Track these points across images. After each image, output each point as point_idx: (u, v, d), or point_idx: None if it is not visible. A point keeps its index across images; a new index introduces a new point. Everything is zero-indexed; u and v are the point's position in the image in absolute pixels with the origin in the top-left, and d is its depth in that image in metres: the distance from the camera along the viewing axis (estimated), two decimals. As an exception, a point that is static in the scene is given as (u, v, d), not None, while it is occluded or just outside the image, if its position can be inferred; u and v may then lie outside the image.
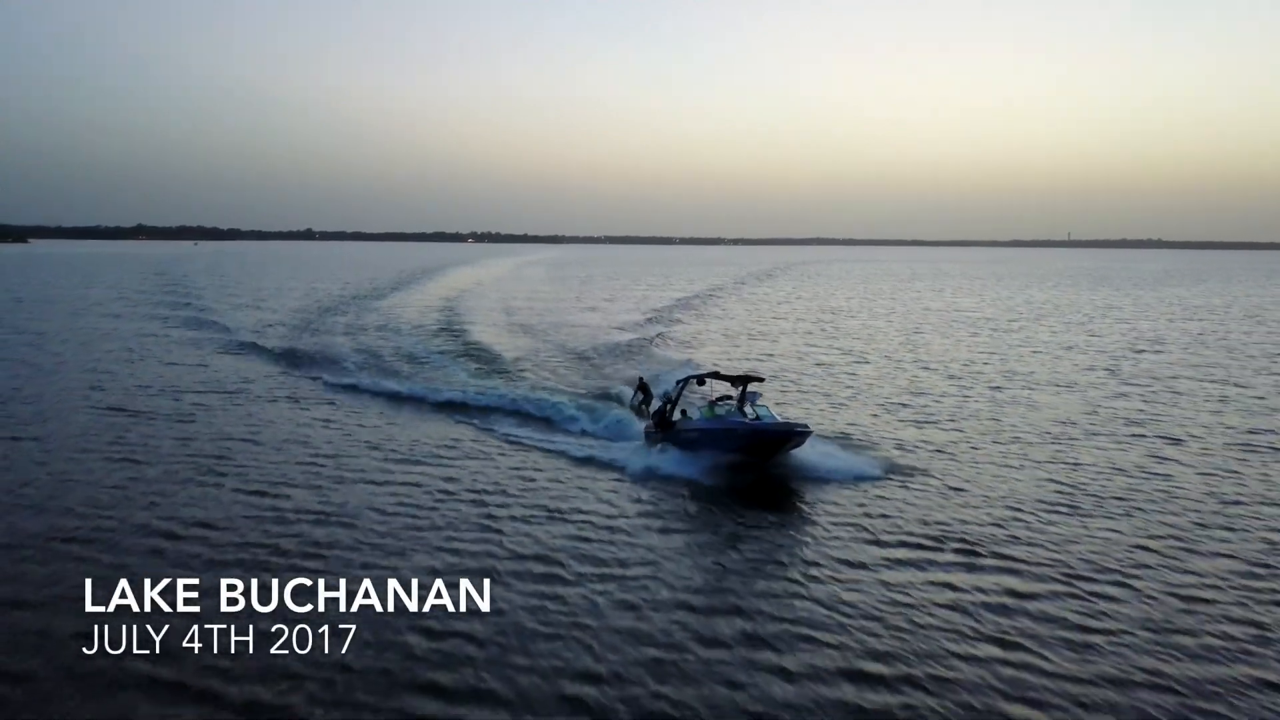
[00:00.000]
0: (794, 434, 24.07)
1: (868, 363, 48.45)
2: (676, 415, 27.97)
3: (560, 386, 37.05)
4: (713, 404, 26.99)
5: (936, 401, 35.79)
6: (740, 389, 27.41)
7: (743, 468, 24.16)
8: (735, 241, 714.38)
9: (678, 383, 29.61)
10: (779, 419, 25.68)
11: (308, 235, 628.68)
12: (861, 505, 21.75)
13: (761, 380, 28.66)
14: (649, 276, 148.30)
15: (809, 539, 19.54)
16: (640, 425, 29.47)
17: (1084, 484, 24.05)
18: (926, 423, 31.65)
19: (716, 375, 28.63)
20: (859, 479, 23.65)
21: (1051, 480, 24.41)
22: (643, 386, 32.02)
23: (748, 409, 25.84)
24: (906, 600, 16.17)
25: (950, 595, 16.40)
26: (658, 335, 56.35)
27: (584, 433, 29.21)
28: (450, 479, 23.61)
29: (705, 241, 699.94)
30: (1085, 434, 30.05)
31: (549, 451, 26.95)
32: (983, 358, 50.45)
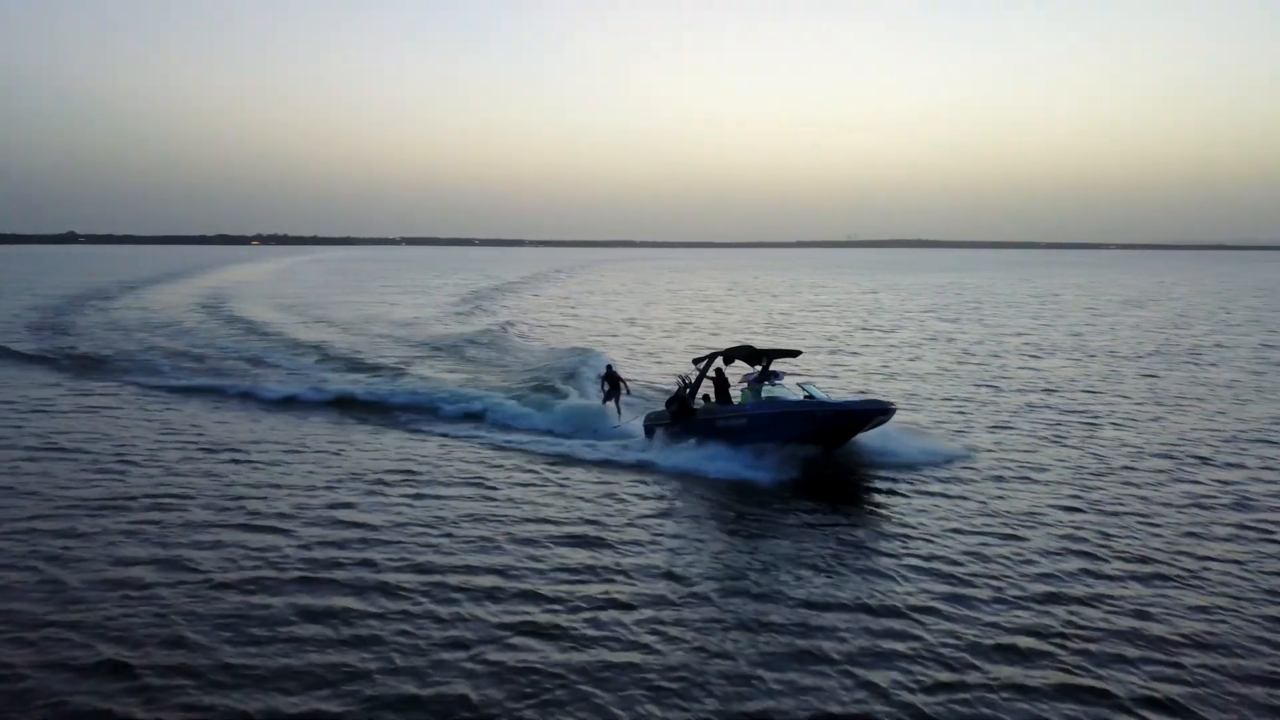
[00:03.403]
0: (885, 411, 21.04)
1: (585, 321, 58.26)
2: (698, 401, 23.74)
3: (476, 380, 33.28)
4: (754, 384, 22.72)
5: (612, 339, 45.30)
6: (764, 364, 23.76)
7: (797, 452, 20.69)
8: (537, 243, 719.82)
9: (696, 362, 24.72)
10: (829, 397, 22.95)
11: (70, 239, 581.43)
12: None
13: (796, 355, 25.65)
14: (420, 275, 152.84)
15: (886, 530, 16.75)
16: (617, 419, 25.65)
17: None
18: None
19: (749, 351, 24.01)
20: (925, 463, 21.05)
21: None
22: (610, 377, 27.32)
23: (773, 386, 22.64)
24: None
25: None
26: (506, 323, 55.56)
27: (550, 431, 24.99)
28: (450, 496, 18.65)
29: (507, 243, 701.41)
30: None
31: (543, 455, 22.49)
32: (666, 312, 61.77)
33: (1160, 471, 20.43)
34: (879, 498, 18.95)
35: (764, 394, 22.20)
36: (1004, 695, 10.60)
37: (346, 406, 28.49)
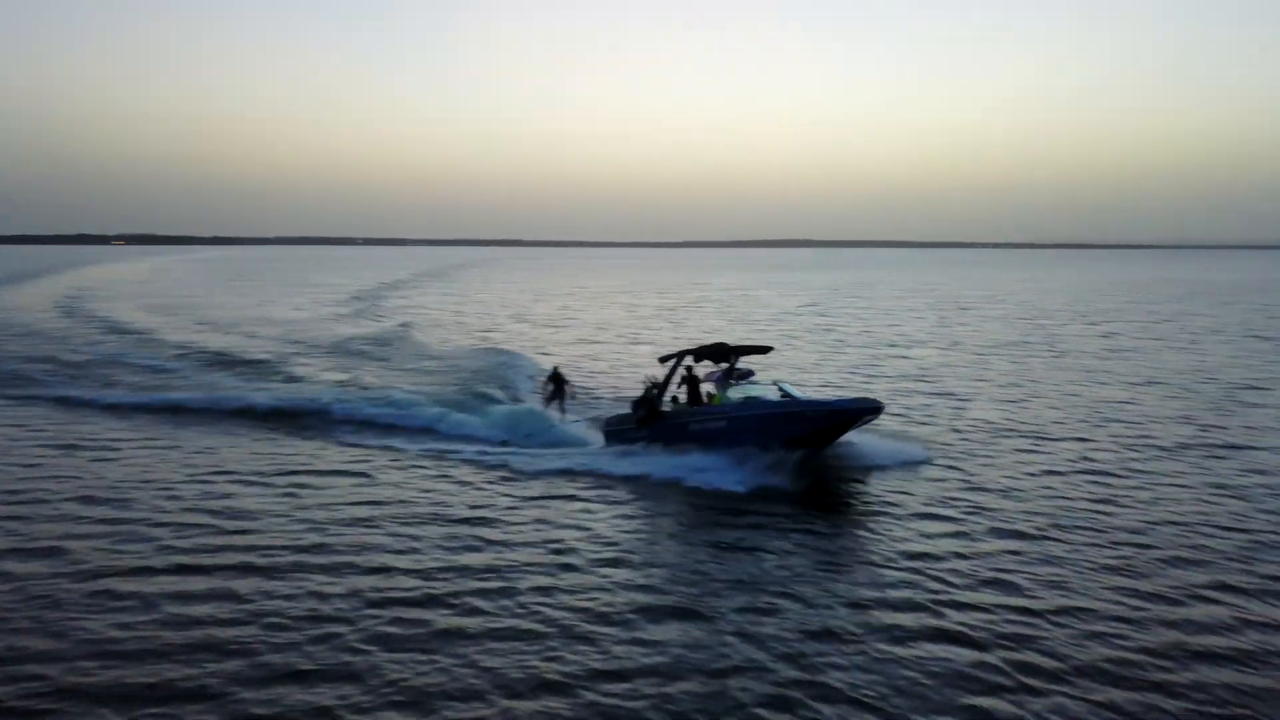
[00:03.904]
0: (875, 409, 19.63)
1: (470, 318, 57.83)
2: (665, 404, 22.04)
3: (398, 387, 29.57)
4: (721, 383, 21.35)
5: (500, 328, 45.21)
6: (732, 362, 22.21)
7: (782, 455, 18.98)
8: (417, 242, 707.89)
9: (663, 361, 23.03)
10: (806, 395, 21.65)
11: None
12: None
13: (767, 351, 23.70)
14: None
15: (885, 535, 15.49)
16: (566, 422, 24.31)
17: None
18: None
19: (720, 348, 22.34)
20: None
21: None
22: (555, 377, 25.96)
23: (744, 385, 21.34)
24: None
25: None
26: (404, 324, 52.79)
27: (504, 442, 22.46)
28: (415, 508, 16.95)
29: (388, 242, 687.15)
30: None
31: (453, 457, 21.02)
32: (553, 309, 61.95)
33: (1019, 447, 21.78)
34: (758, 480, 18.85)
35: (739, 394, 20.72)
36: (876, 641, 11.25)
37: (245, 414, 25.96)
